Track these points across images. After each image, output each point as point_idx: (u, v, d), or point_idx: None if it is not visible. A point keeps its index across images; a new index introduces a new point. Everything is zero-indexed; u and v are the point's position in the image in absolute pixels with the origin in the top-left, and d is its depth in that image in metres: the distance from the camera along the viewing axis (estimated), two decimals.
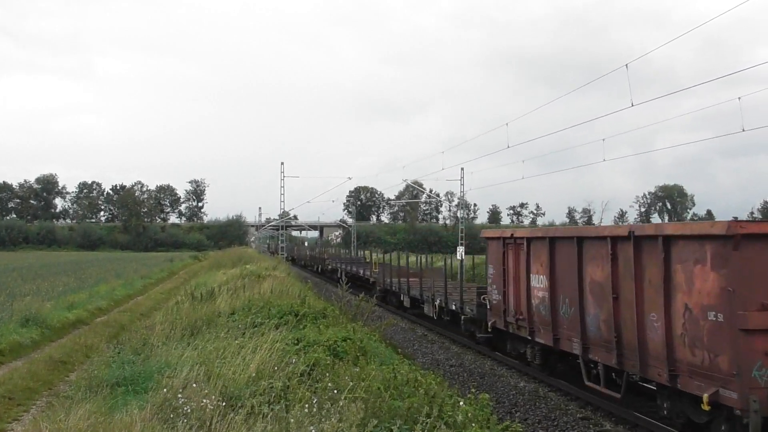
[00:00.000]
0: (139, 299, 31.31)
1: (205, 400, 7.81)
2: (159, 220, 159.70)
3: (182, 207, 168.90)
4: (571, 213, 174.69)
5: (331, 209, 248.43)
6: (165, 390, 8.29)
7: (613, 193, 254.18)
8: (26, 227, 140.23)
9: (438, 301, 23.09)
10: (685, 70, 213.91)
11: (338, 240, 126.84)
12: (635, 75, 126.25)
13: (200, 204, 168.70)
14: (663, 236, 10.63)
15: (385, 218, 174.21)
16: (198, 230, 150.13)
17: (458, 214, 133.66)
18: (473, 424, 7.32)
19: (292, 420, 7.18)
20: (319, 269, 55.42)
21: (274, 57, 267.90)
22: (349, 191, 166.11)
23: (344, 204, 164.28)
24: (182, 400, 7.88)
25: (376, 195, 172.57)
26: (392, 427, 7.07)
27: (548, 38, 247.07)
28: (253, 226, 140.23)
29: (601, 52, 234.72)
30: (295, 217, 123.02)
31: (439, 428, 7.05)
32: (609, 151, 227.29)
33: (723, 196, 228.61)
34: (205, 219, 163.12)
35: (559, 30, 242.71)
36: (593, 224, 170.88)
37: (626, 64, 20.96)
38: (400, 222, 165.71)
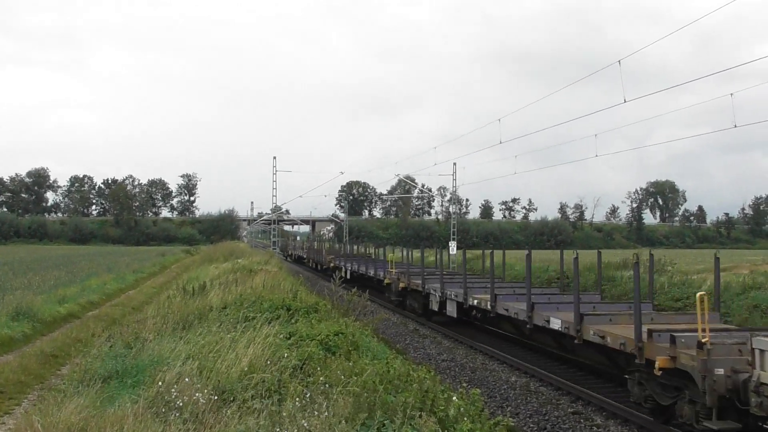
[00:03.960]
0: (130, 293, 31.24)
1: (197, 394, 7.82)
2: (151, 214, 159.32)
3: (174, 201, 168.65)
4: (563, 208, 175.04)
5: (324, 204, 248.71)
6: (158, 384, 8.29)
7: (607, 189, 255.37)
8: (17, 221, 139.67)
9: None
10: (681, 66, 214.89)
11: (330, 234, 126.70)
12: (631, 71, 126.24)
13: (192, 198, 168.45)
14: None
15: (377, 213, 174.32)
16: (190, 225, 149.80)
17: (450, 209, 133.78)
18: (465, 419, 7.35)
19: (284, 414, 7.20)
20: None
21: (267, 52, 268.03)
22: (342, 186, 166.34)
23: (336, 199, 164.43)
24: (175, 394, 7.88)
25: (369, 190, 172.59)
26: (384, 421, 7.10)
27: (543, 34, 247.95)
28: (245, 220, 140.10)
29: (597, 48, 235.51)
30: (287, 212, 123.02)
31: (431, 423, 7.08)
32: (603, 147, 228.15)
33: (716, 192, 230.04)
34: (197, 213, 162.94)
35: (554, 26, 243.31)
36: (585, 220, 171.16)
37: (619, 61, 21.04)
38: (393, 217, 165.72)
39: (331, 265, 43.45)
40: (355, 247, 51.63)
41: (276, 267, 31.11)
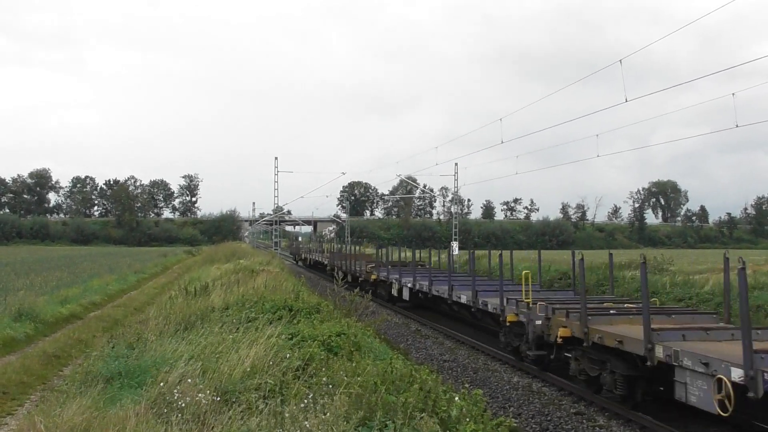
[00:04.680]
0: (132, 294, 31.27)
1: (199, 395, 7.82)
2: (152, 215, 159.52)
3: (176, 202, 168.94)
4: (565, 208, 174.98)
5: (325, 204, 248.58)
6: (160, 384, 8.29)
7: (609, 189, 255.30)
8: (19, 222, 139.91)
9: None
10: (683, 65, 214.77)
11: (332, 235, 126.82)
12: (633, 71, 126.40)
13: (194, 199, 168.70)
14: None
15: (379, 213, 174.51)
16: (191, 225, 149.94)
17: (452, 210, 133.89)
18: (467, 419, 7.34)
19: (287, 415, 7.19)
20: None
21: (268, 52, 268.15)
22: (343, 186, 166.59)
23: (338, 199, 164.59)
24: (177, 394, 7.88)
25: (370, 190, 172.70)
26: (386, 422, 7.09)
27: (544, 34, 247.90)
28: (246, 221, 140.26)
29: (598, 48, 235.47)
30: (289, 212, 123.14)
31: (433, 423, 7.07)
32: (606, 146, 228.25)
33: (718, 192, 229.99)
34: (199, 214, 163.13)
35: (555, 26, 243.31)
36: (587, 220, 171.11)
37: (620, 60, 21.03)
38: (394, 217, 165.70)
39: (373, 277, 31.88)
40: (408, 253, 37.64)
41: (278, 267, 31.12)
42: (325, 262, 48.00)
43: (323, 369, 9.17)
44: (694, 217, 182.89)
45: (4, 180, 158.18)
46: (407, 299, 26.83)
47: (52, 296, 23.87)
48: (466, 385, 9.47)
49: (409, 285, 26.34)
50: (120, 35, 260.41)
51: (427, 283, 24.44)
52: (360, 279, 33.69)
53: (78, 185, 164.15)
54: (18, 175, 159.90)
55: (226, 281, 21.41)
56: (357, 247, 43.77)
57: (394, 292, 28.62)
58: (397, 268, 30.13)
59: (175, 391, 8.01)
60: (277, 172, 73.37)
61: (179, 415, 7.43)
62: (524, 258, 35.91)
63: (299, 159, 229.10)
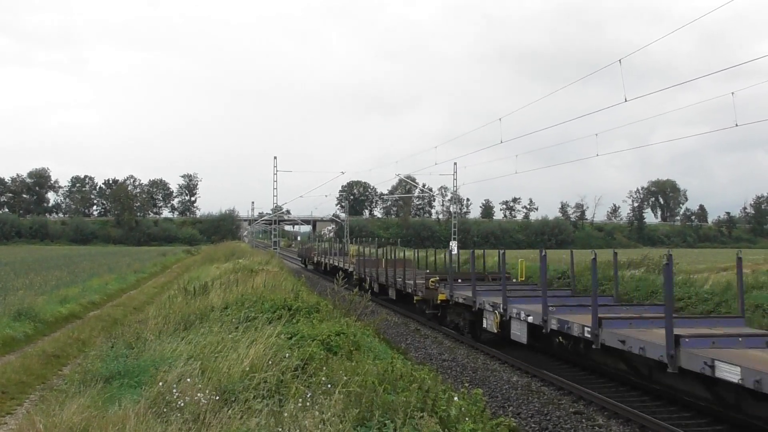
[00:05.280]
0: (132, 293, 31.25)
1: (199, 395, 7.82)
2: (152, 214, 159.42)
3: (175, 201, 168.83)
4: (564, 208, 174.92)
5: (324, 204, 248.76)
6: (160, 384, 8.29)
7: (608, 188, 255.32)
8: (19, 221, 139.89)
9: None
10: (684, 64, 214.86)
11: (331, 234, 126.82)
12: (633, 70, 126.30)
13: (193, 198, 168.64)
14: None
15: (378, 213, 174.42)
16: (191, 225, 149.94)
17: (451, 209, 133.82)
18: (467, 419, 7.34)
19: (285, 414, 7.19)
20: None
21: (268, 52, 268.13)
22: (342, 186, 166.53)
23: (337, 198, 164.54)
24: (176, 394, 7.89)
25: (369, 189, 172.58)
26: (385, 421, 7.09)
27: (544, 34, 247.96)
28: (245, 220, 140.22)
29: (598, 47, 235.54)
30: (288, 212, 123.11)
31: (432, 423, 7.07)
32: (605, 146, 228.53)
33: (718, 192, 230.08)
34: (198, 213, 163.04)
35: (555, 26, 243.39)
36: (586, 219, 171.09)
37: (619, 60, 21.05)
38: (393, 216, 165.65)
39: (441, 297, 21.74)
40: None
41: (277, 267, 31.10)
42: (350, 269, 36.37)
43: (322, 368, 9.16)
44: (693, 217, 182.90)
45: (4, 180, 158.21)
46: (523, 340, 16.31)
47: (51, 296, 23.84)
48: (466, 385, 9.49)
49: (530, 319, 15.61)
50: (120, 35, 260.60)
51: (593, 325, 12.92)
52: (416, 298, 24.06)
53: (77, 185, 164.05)
54: (17, 175, 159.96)
55: (225, 281, 21.37)
56: (395, 249, 33.06)
57: (489, 325, 17.89)
58: (495, 286, 19.43)
59: (175, 390, 8.01)
60: (277, 171, 73.31)
61: (178, 414, 7.44)
62: (524, 257, 35.86)
63: (299, 159, 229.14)
